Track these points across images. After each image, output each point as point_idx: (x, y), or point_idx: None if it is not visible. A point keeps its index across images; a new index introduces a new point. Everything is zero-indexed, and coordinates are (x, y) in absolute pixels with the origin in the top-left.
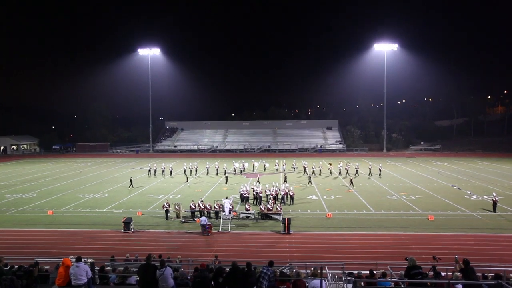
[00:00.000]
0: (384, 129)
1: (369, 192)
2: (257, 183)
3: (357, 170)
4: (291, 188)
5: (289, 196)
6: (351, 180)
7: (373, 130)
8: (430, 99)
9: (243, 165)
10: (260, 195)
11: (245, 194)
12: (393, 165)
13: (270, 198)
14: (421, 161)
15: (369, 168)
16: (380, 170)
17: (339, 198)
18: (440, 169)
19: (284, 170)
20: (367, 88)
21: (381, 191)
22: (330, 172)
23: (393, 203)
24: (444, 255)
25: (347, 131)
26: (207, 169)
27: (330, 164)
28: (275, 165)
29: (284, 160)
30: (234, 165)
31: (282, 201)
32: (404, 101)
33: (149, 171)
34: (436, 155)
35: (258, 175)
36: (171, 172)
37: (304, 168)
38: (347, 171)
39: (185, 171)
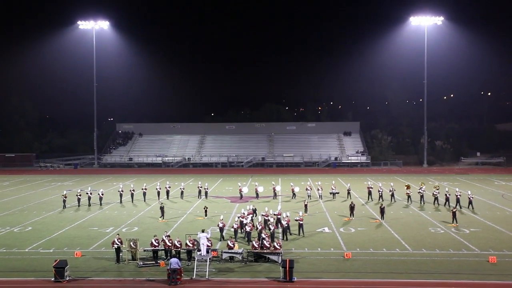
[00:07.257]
0: (425, 134)
1: (404, 223)
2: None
3: (448, 198)
4: (272, 221)
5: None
6: (454, 213)
7: (409, 136)
8: (489, 93)
9: (205, 189)
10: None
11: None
12: (437, 185)
13: (264, 231)
14: (477, 179)
15: (421, 194)
16: (470, 200)
17: (362, 232)
18: (505, 191)
19: (310, 196)
20: (400, 78)
21: (421, 222)
22: (409, 199)
23: (438, 239)
24: None
25: (372, 138)
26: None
27: (408, 187)
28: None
29: (309, 182)
30: (199, 187)
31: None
32: (452, 96)
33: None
34: (499, 171)
35: (249, 201)
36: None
37: (325, 193)
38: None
39: (121, 195)
